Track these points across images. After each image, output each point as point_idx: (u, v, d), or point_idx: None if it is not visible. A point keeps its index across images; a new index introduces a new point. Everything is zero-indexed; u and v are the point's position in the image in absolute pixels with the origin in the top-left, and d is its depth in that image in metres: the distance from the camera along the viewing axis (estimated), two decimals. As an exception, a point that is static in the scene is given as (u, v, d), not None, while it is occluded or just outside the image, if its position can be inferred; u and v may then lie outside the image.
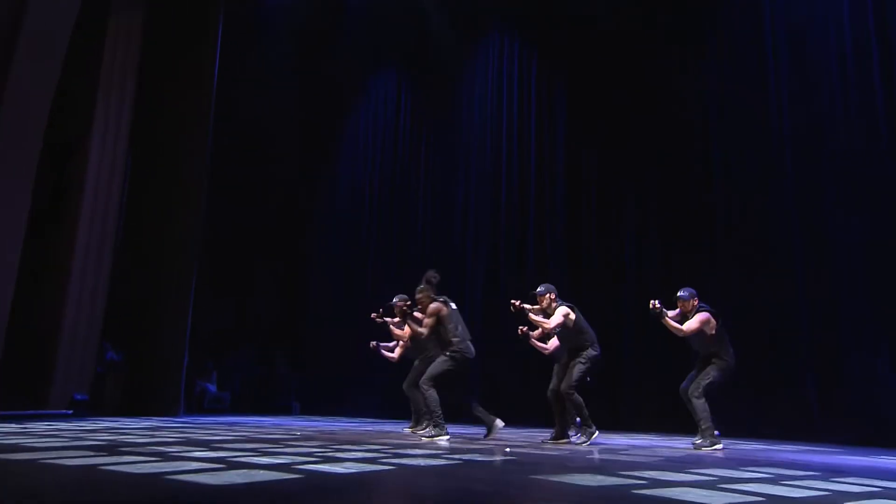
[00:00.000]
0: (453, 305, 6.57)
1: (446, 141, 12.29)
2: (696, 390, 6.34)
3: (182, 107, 10.08)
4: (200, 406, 10.75)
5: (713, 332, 6.41)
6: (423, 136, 12.63)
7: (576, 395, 6.45)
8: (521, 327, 6.84)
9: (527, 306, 6.53)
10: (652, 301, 6.23)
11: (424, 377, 6.47)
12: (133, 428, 6.21)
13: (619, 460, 4.76)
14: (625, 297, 9.76)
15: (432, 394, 6.38)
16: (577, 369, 6.46)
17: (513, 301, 6.43)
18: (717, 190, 9.52)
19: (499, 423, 6.50)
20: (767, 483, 3.73)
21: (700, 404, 6.30)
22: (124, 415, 8.29)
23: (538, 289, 6.68)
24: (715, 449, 6.06)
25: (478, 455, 4.82)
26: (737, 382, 7.06)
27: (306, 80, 13.30)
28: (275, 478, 3.30)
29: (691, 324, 6.11)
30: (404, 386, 7.42)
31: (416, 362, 7.52)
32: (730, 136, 9.53)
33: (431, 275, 6.68)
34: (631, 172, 10.45)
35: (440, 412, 6.38)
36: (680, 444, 6.74)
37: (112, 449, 4.35)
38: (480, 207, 11.62)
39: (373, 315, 7.66)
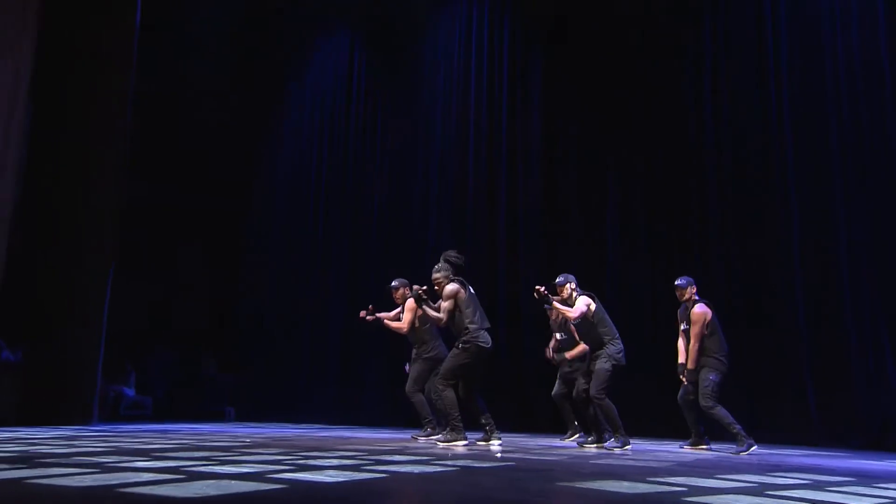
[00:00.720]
0: (471, 289, 6.33)
1: (406, 111, 11.76)
2: (707, 400, 6.33)
3: (98, 61, 9.18)
4: (116, 412, 9.97)
5: (706, 329, 6.48)
6: (380, 104, 12.05)
7: (606, 399, 6.27)
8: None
9: (551, 296, 6.51)
10: (537, 287, 6.37)
11: (439, 376, 6.21)
12: (42, 438, 5.74)
13: (629, 465, 4.63)
14: (606, 285, 9.53)
15: (448, 394, 6.15)
16: (602, 370, 6.26)
17: (537, 287, 6.37)
18: (710, 173, 9.44)
19: (495, 445, 6.22)
20: (812, 489, 3.72)
21: (719, 413, 6.32)
22: (23, 424, 7.36)
23: (558, 279, 6.63)
24: (752, 453, 6.16)
25: (473, 461, 4.60)
26: (735, 384, 6.85)
27: (247, 41, 12.52)
28: (253, 488, 3.01)
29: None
30: (407, 389, 7.11)
31: (410, 363, 7.22)
32: (725, 109, 9.44)
33: (451, 254, 6.42)
34: (614, 147, 10.23)
35: (457, 414, 6.15)
36: (667, 448, 6.76)
37: (29, 461, 3.93)
38: (445, 184, 11.11)
39: (362, 314, 7.33)
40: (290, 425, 9.47)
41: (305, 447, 5.41)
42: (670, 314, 7.27)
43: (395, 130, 11.86)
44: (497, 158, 10.89)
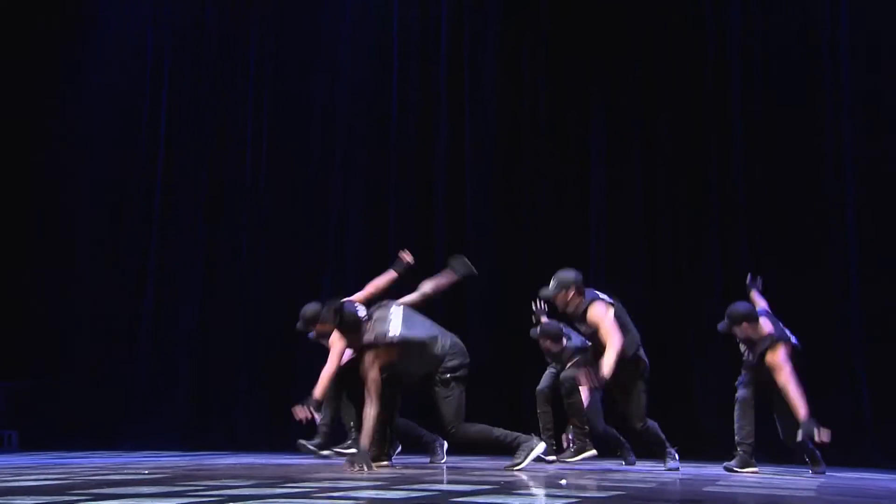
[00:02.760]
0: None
1: (296, 23, 9.75)
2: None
3: None
4: None
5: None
6: (254, 28, 9.84)
7: (650, 422, 5.65)
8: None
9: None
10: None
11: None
12: None
13: (706, 491, 4.10)
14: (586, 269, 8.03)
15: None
16: (639, 388, 5.55)
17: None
18: (735, 128, 7.97)
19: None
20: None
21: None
22: None
23: (550, 284, 5.57)
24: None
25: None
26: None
27: None
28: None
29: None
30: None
31: None
32: (757, 48, 8.00)
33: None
34: (600, 95, 8.53)
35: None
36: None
37: None
38: (355, 139, 9.27)
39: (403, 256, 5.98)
40: (121, 454, 7.55)
41: (231, 476, 4.33)
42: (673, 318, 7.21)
43: (279, 50, 9.70)
44: (434, 107, 9.06)
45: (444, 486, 3.93)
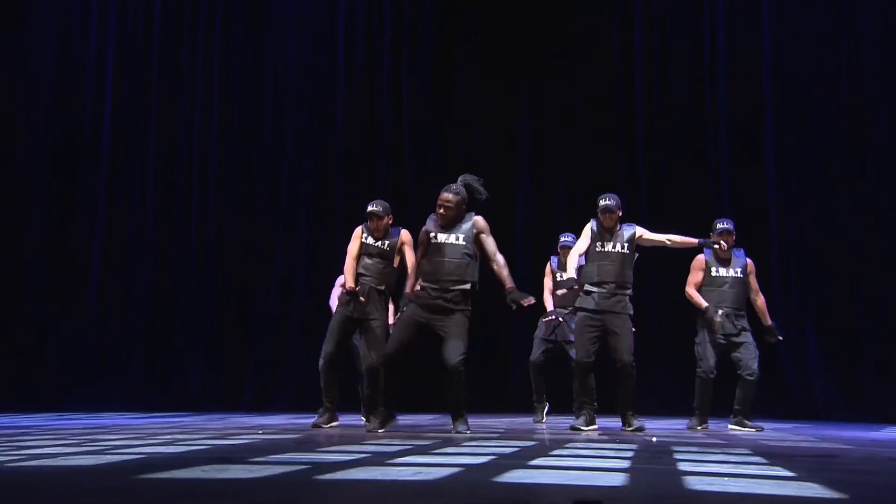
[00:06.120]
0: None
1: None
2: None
3: None
4: None
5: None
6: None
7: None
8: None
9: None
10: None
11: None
12: None
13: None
14: (517, 241, 9.02)
15: None
16: (630, 325, 5.79)
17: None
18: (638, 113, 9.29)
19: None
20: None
21: None
22: None
23: (609, 201, 5.76)
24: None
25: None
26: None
27: None
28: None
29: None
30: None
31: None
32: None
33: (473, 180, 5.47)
34: (527, 86, 9.59)
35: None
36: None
37: None
38: (303, 113, 9.79)
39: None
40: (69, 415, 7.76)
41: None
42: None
43: (229, 9, 10.03)
44: (376, 86, 9.79)
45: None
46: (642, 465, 3.34)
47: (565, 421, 6.32)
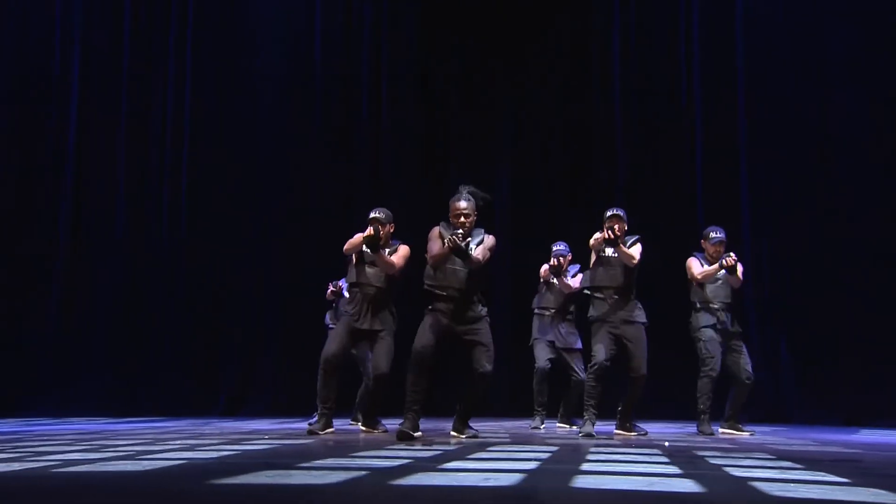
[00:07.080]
0: None
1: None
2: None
3: None
4: None
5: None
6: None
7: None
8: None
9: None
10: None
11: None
12: None
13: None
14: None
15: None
16: (644, 336, 5.87)
17: (609, 228, 5.61)
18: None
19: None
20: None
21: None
22: None
23: (617, 211, 5.86)
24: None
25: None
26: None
27: None
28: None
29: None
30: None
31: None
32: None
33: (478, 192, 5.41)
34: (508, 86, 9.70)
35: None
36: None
37: None
38: (284, 110, 9.70)
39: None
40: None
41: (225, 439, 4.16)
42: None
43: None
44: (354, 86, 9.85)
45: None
46: (695, 470, 3.29)
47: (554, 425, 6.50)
